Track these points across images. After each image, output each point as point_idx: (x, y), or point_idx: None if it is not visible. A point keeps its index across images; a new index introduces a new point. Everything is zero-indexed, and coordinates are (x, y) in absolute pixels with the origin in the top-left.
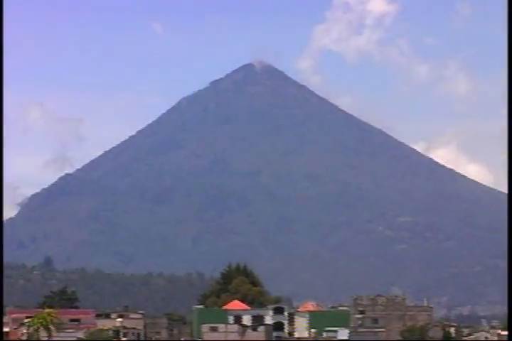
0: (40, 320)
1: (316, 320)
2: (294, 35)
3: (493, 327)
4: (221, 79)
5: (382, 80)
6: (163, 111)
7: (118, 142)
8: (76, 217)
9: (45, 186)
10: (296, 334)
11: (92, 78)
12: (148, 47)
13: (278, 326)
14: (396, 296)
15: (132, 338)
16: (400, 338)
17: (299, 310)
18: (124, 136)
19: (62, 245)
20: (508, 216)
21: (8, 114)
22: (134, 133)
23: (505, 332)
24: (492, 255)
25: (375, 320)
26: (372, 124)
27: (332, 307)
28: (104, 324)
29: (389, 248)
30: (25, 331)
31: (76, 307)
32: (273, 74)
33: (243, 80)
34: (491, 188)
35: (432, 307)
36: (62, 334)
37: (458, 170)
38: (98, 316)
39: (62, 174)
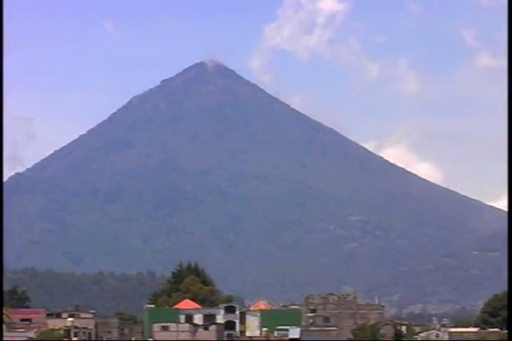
0: None
1: (268, 318)
2: (245, 33)
3: (443, 326)
4: (172, 78)
5: (333, 79)
6: (114, 110)
7: (69, 141)
8: (27, 217)
9: None
10: (248, 333)
11: (43, 77)
12: (99, 46)
13: (229, 325)
14: (347, 295)
15: (83, 338)
16: (351, 336)
17: (251, 309)
18: (74, 135)
19: (13, 244)
20: (508, 216)
21: None
22: (84, 132)
23: (455, 330)
24: (443, 253)
25: (327, 319)
26: (323, 123)
27: (283, 306)
28: (55, 324)
29: (340, 246)
30: None
31: (27, 307)
32: (224, 73)
33: (194, 79)
34: (442, 187)
35: (383, 306)
36: (12, 334)
37: (409, 169)
38: (49, 316)
39: (13, 173)
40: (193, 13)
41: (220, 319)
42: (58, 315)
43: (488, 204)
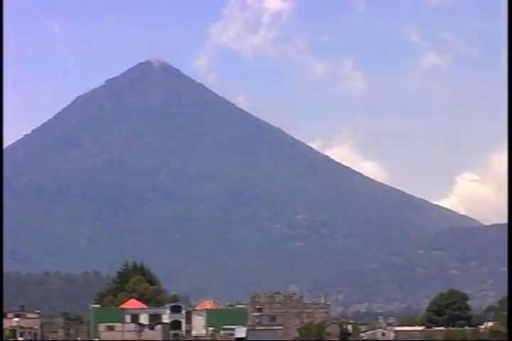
0: None
1: (214, 318)
2: (191, 32)
3: (389, 324)
4: (117, 77)
5: (279, 78)
6: (59, 109)
7: (13, 141)
8: None
9: None
10: (194, 333)
11: None
12: (44, 46)
13: (175, 325)
14: (293, 294)
15: (29, 338)
16: (297, 335)
17: (197, 308)
18: (19, 135)
19: None
20: (508, 216)
21: None
22: (29, 131)
23: (401, 328)
24: (389, 252)
25: (273, 318)
26: (269, 122)
27: (229, 306)
28: None
29: (287, 246)
30: None
31: None
32: (169, 73)
33: (139, 78)
34: (387, 186)
35: (329, 305)
36: None
37: (354, 168)
38: None
39: None
40: (139, 12)
41: (166, 319)
42: (4, 315)
43: (434, 203)
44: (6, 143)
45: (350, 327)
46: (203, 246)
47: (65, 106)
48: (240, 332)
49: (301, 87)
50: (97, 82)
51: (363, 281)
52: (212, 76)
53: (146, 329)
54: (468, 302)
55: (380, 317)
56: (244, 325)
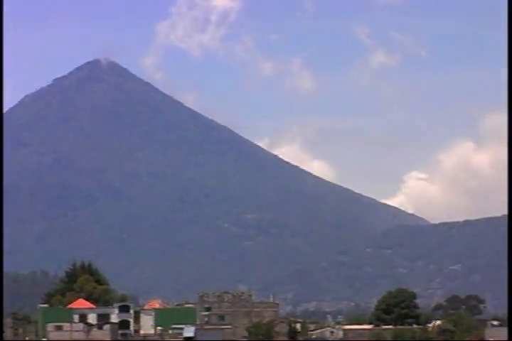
0: None
1: (162, 317)
2: (138, 31)
3: (338, 323)
4: (64, 76)
5: (227, 77)
6: (6, 108)
7: None
8: None
9: None
10: (142, 332)
11: None
12: None
13: (124, 324)
14: (242, 293)
15: None
16: (246, 334)
17: (145, 307)
18: None
19: None
20: (508, 217)
21: None
22: None
23: (350, 327)
24: (337, 251)
25: (222, 317)
26: (217, 121)
27: (178, 305)
28: None
29: (235, 245)
30: None
31: None
32: (117, 72)
33: (87, 77)
34: (336, 185)
35: (277, 304)
36: None
37: (302, 167)
38: None
39: None
40: (86, 10)
41: (115, 318)
42: None
43: (382, 201)
44: None
45: (298, 326)
46: (151, 246)
47: (12, 106)
48: (189, 331)
49: (249, 85)
50: (45, 81)
51: (311, 280)
52: (161, 75)
53: (95, 328)
54: (417, 301)
55: (329, 315)
56: (192, 324)
